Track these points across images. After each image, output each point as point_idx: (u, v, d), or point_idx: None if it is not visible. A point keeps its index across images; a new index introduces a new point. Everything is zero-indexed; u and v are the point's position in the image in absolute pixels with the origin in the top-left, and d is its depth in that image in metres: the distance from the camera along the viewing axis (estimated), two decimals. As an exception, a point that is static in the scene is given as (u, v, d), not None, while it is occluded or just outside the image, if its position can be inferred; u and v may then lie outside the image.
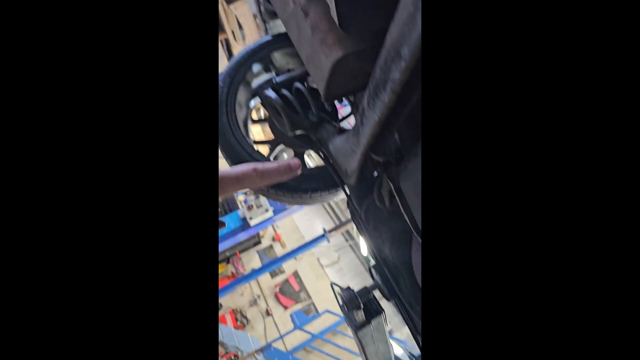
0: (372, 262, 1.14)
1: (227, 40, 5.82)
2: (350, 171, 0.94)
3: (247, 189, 0.48)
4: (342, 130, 1.09)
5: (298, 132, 1.11)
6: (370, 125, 0.68)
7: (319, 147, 1.11)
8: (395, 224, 1.00)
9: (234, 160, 1.21)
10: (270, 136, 1.41)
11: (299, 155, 1.37)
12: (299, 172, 0.51)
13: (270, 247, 7.41)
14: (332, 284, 1.37)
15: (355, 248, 7.21)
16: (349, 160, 0.92)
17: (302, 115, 1.07)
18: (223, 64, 5.54)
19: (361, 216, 1.05)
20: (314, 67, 0.88)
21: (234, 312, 6.65)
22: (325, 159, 1.09)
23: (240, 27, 5.81)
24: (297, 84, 1.07)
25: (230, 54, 5.87)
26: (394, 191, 0.82)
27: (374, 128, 0.68)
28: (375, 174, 1.02)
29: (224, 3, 5.65)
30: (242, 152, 1.20)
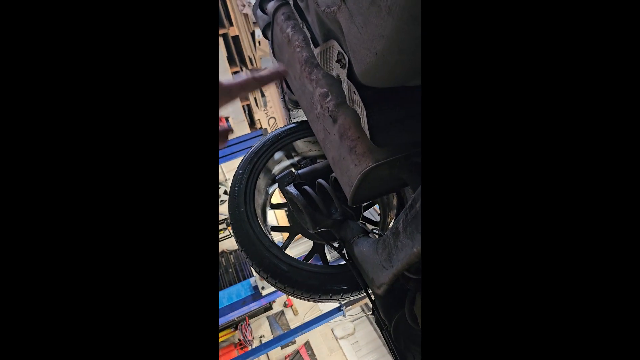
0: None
1: (249, 106, 6.09)
2: (379, 283, 0.84)
3: (249, 93, 0.54)
4: (367, 231, 1.01)
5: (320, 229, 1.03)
6: (407, 254, 0.60)
7: (342, 246, 1.03)
8: (430, 346, 0.87)
9: (249, 253, 1.13)
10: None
11: (319, 247, 1.29)
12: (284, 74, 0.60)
13: (282, 313, 7.03)
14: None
15: (372, 320, 6.77)
16: (377, 273, 0.82)
17: (324, 213, 1.01)
18: (244, 130, 5.74)
19: (389, 330, 0.93)
20: (341, 172, 0.83)
21: (239, 385, 6.13)
22: (347, 259, 1.00)
23: (262, 94, 6.12)
24: (321, 181, 1.02)
25: (252, 119, 6.10)
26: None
27: (412, 257, 0.59)
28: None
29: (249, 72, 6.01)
30: (259, 245, 1.12)
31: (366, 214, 1.43)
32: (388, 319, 0.94)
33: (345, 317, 3.83)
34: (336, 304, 3.98)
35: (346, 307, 3.79)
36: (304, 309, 6.78)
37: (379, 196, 0.89)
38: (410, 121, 0.73)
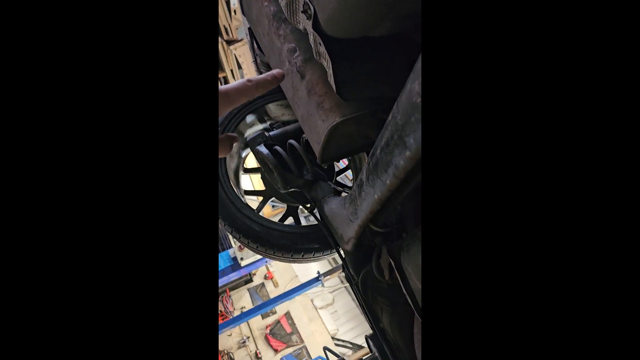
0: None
1: (225, 79, 5.91)
2: (347, 238, 0.87)
3: (249, 99, 0.54)
4: (338, 191, 1.03)
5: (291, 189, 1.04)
6: (370, 202, 0.62)
7: (313, 206, 1.05)
8: (396, 297, 0.91)
9: (222, 214, 1.13)
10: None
11: (292, 210, 1.30)
12: (282, 79, 0.58)
13: (262, 285, 7.16)
14: (325, 349, 1.26)
15: (350, 290, 7.00)
16: (345, 228, 0.85)
17: (296, 173, 1.01)
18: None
19: (358, 284, 0.96)
20: (310, 129, 0.83)
21: (220, 354, 6.30)
22: (319, 219, 1.02)
23: (239, 66, 5.93)
24: (291, 141, 1.02)
25: (228, 91, 5.92)
26: (394, 267, 0.75)
27: (374, 205, 0.61)
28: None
29: (224, 43, 5.80)
30: (232, 207, 1.13)
31: (339, 179, 1.45)
32: (357, 274, 0.98)
33: (323, 286, 3.94)
34: (314, 274, 4.08)
35: (324, 277, 3.89)
36: (284, 281, 6.92)
37: (349, 155, 0.90)
38: (378, 76, 0.73)
